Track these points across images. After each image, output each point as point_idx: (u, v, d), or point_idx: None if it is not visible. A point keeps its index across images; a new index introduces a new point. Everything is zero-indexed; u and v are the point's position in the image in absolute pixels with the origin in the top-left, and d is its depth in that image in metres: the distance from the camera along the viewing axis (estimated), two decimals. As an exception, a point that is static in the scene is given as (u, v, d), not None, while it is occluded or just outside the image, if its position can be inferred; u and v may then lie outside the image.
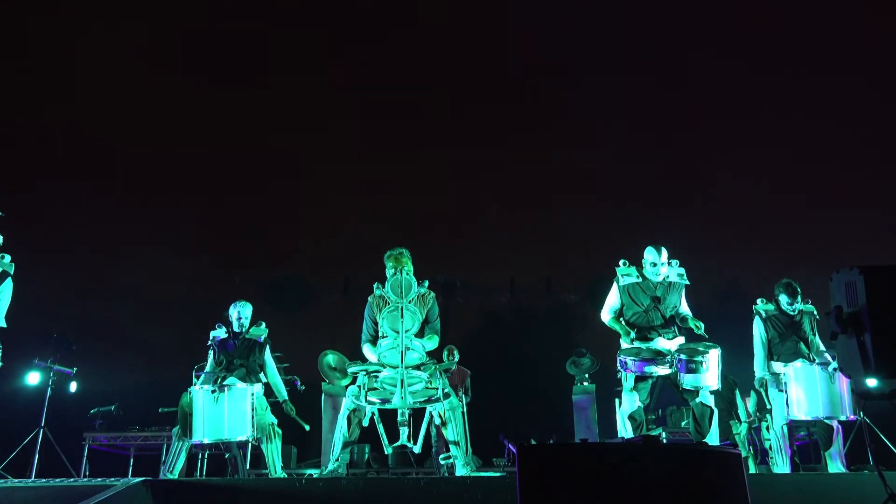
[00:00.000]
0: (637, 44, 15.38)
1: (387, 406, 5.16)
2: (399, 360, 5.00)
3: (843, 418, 5.57)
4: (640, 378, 5.57)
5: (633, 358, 5.49)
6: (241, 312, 6.16)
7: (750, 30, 15.10)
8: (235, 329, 6.12)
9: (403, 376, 4.99)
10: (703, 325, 5.49)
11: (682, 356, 5.38)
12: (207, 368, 6.06)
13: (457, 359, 9.06)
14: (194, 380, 5.98)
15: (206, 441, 5.63)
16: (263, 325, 6.29)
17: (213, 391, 5.57)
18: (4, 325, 5.24)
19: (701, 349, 5.42)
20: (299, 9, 15.08)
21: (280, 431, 5.96)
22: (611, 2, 15.20)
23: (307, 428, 6.55)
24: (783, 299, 5.91)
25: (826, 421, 5.61)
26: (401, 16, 15.19)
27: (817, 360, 5.71)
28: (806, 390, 5.55)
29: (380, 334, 5.33)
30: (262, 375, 6.14)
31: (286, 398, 6.28)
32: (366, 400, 5.16)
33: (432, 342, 5.39)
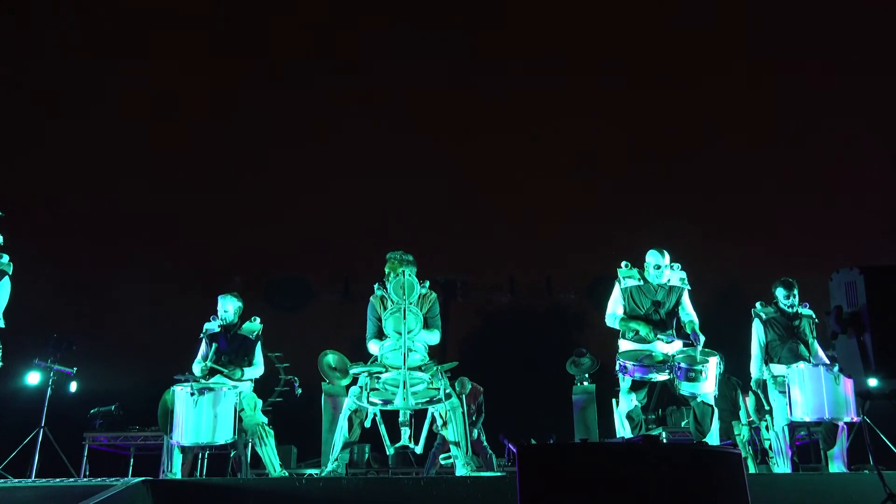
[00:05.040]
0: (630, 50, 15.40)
1: (389, 407, 5.15)
2: (401, 361, 4.99)
3: (847, 420, 5.54)
4: (638, 382, 5.56)
5: (632, 363, 5.48)
6: (223, 305, 5.97)
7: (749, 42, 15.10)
8: (220, 321, 5.95)
9: (406, 377, 4.98)
10: (703, 339, 5.47)
11: (682, 364, 5.35)
12: (198, 358, 5.91)
13: (468, 388, 9.09)
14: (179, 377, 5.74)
15: (182, 443, 5.47)
16: (258, 320, 6.11)
17: (192, 393, 5.39)
18: (3, 325, 5.22)
19: (700, 357, 5.40)
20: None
21: (271, 431, 5.85)
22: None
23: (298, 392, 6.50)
24: (780, 293, 5.90)
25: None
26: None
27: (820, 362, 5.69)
28: (810, 392, 5.52)
29: (383, 334, 5.31)
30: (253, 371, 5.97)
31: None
32: (368, 401, 5.15)
33: (434, 335, 5.39)
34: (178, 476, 5.61)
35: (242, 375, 5.85)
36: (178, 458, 5.63)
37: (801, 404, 5.52)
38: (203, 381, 5.64)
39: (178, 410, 5.44)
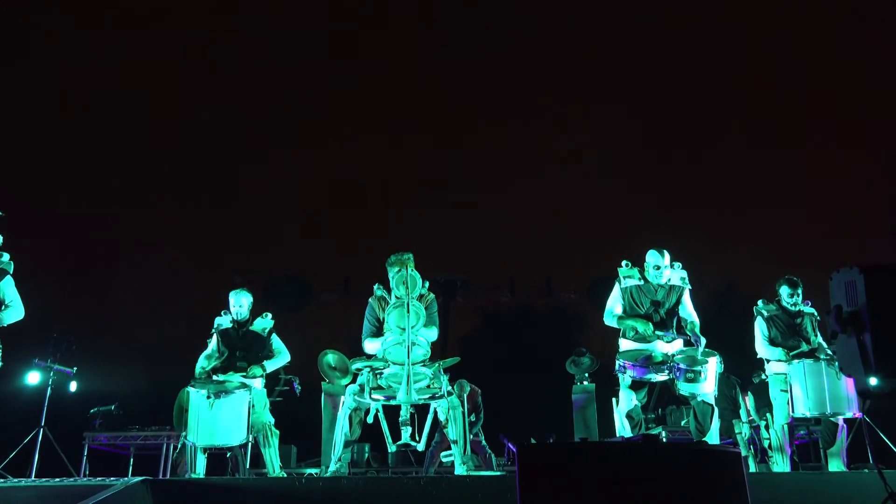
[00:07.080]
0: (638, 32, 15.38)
1: (391, 402, 5.13)
2: (405, 356, 4.97)
3: (848, 415, 5.54)
4: (637, 381, 5.56)
5: (631, 363, 5.48)
6: (238, 301, 6.02)
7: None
8: (234, 317, 6.00)
9: (409, 372, 4.96)
10: (703, 341, 5.47)
11: (682, 365, 5.35)
12: (207, 351, 5.95)
13: (467, 390, 9.08)
14: (196, 376, 5.80)
15: (197, 444, 5.49)
16: (269, 316, 6.15)
17: (207, 396, 5.42)
18: (4, 324, 5.22)
19: (700, 357, 5.40)
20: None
21: (277, 431, 5.87)
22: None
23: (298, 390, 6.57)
24: (784, 291, 5.89)
25: (831, 419, 5.59)
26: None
27: (822, 357, 5.68)
28: (811, 387, 5.51)
29: (384, 331, 5.29)
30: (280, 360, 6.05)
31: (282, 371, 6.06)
32: (370, 397, 5.13)
33: (432, 332, 5.39)
34: (202, 476, 5.57)
35: (263, 372, 5.91)
36: (201, 460, 5.57)
37: (803, 399, 5.53)
38: (216, 380, 5.68)
39: (193, 412, 5.47)
